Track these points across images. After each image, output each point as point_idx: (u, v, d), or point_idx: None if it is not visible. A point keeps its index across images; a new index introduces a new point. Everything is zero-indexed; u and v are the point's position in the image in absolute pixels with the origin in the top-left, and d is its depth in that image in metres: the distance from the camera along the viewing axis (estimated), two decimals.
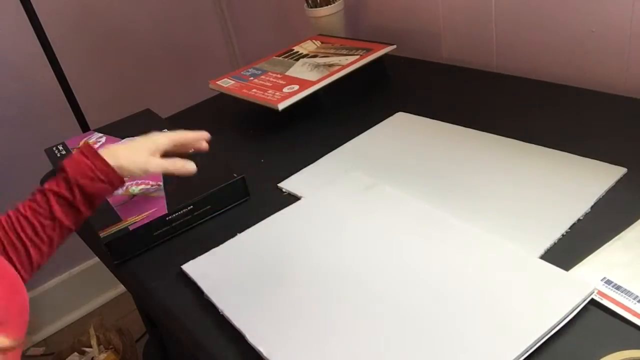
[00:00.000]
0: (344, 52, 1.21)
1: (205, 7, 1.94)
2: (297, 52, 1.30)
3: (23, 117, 1.65)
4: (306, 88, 1.08)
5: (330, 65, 1.14)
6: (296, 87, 1.09)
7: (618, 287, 0.61)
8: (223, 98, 1.37)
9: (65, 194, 0.71)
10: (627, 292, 0.60)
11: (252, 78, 1.20)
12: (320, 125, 1.12)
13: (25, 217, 0.69)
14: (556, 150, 0.86)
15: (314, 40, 1.33)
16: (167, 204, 0.87)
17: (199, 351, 0.68)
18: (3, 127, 1.63)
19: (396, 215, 0.78)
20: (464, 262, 0.68)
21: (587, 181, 0.78)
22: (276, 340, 0.62)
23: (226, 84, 1.22)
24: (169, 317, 0.74)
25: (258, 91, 1.12)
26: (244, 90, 1.15)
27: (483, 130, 0.95)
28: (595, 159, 0.81)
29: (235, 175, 0.91)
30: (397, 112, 1.08)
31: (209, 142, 0.87)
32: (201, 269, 0.76)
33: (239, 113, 1.27)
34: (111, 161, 0.74)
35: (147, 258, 0.84)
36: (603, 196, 0.75)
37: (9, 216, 0.70)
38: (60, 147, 1.12)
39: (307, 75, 1.14)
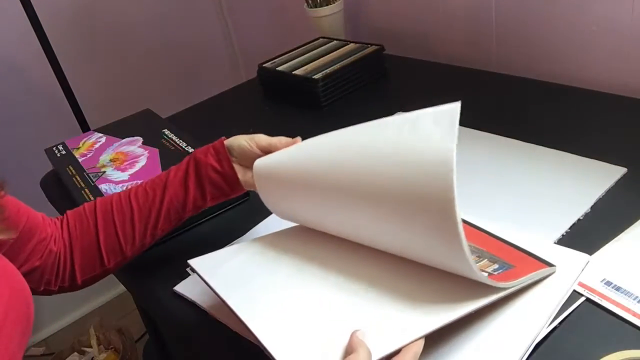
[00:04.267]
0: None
1: (205, 7, 1.94)
2: None
3: (23, 117, 1.65)
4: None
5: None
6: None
7: (618, 288, 0.61)
8: (223, 98, 1.37)
9: (182, 166, 0.74)
10: (627, 293, 0.60)
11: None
12: (320, 125, 1.12)
13: (143, 187, 0.74)
14: (556, 150, 0.86)
15: None
16: None
17: (199, 351, 0.68)
18: (3, 127, 1.63)
19: None
20: None
21: (587, 181, 0.78)
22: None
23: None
24: (169, 317, 0.74)
25: None
26: None
27: (483, 130, 0.95)
28: (595, 159, 0.81)
29: None
30: (397, 112, 1.08)
31: (210, 143, 0.87)
32: (196, 288, 0.75)
33: (239, 113, 1.27)
34: (226, 141, 0.75)
35: (147, 258, 0.84)
36: (603, 196, 0.75)
37: (123, 191, 0.74)
38: (60, 147, 1.12)
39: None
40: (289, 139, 0.76)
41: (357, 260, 0.68)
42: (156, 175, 0.76)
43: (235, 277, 0.71)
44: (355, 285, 0.64)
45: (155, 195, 0.73)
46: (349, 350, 0.50)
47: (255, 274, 0.72)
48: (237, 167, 0.75)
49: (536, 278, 0.61)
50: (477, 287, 0.57)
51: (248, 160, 0.74)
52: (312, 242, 0.75)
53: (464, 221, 0.72)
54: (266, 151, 0.74)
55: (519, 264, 0.62)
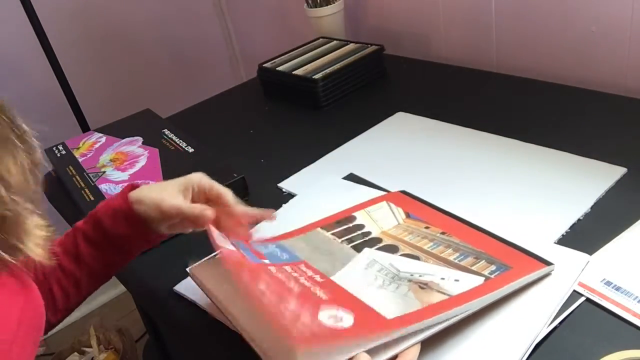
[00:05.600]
0: (451, 255, 0.64)
1: (205, 7, 1.94)
2: (362, 225, 0.73)
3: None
4: (370, 331, 0.50)
5: (422, 287, 0.58)
6: (347, 316, 0.52)
7: (618, 288, 0.61)
8: (223, 98, 1.37)
9: (90, 233, 0.66)
10: (627, 293, 0.60)
11: (266, 262, 0.63)
12: (320, 125, 1.12)
13: (55, 254, 0.63)
14: (556, 150, 0.86)
15: (392, 205, 0.77)
16: None
17: (199, 351, 0.68)
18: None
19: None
20: None
21: (587, 181, 0.78)
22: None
23: (224, 243, 0.64)
24: (169, 317, 0.74)
25: (269, 291, 0.55)
26: (243, 275, 0.57)
27: (483, 130, 0.95)
28: (595, 159, 0.82)
29: (235, 175, 0.91)
30: (397, 112, 1.08)
31: (210, 143, 0.87)
32: (196, 288, 0.72)
33: (239, 113, 1.27)
34: (134, 194, 0.66)
35: (147, 258, 0.84)
36: (603, 196, 0.75)
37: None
38: (60, 147, 1.12)
39: (371, 294, 0.58)
40: (199, 208, 0.64)
41: None
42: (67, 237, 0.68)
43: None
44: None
45: (73, 268, 0.66)
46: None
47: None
48: (152, 224, 0.66)
49: (534, 278, 0.61)
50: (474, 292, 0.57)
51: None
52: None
53: (461, 219, 0.71)
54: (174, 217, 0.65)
55: (516, 265, 0.62)
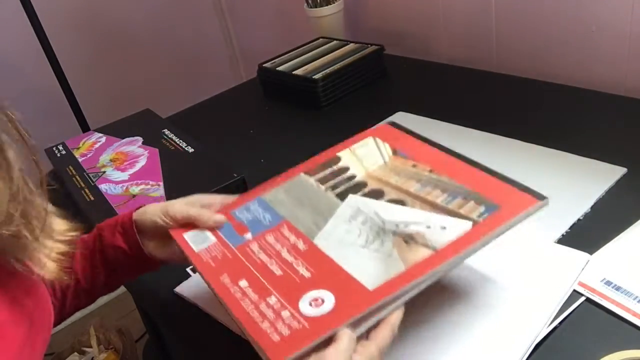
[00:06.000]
0: (439, 197, 0.62)
1: (205, 7, 1.94)
2: (346, 168, 0.71)
3: (23, 117, 1.65)
4: (350, 314, 0.50)
5: (409, 242, 0.57)
6: (326, 295, 0.53)
7: (618, 288, 0.61)
8: (223, 98, 1.37)
9: (90, 243, 0.65)
10: (627, 293, 0.60)
11: (249, 237, 0.63)
12: (320, 125, 1.12)
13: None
14: (556, 150, 0.86)
15: (379, 140, 0.74)
16: None
17: (199, 351, 0.68)
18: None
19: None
20: None
21: (587, 181, 0.78)
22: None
23: (198, 242, 0.64)
24: (169, 317, 0.74)
25: (250, 291, 0.56)
26: (221, 281, 0.58)
27: (483, 130, 0.95)
28: (595, 159, 0.81)
29: (235, 175, 0.91)
30: (397, 112, 1.08)
31: (210, 143, 0.87)
32: (197, 289, 0.74)
33: (239, 113, 1.27)
34: (140, 208, 0.66)
35: None
36: (603, 196, 0.75)
37: None
38: (60, 147, 1.12)
39: (355, 259, 0.57)
40: (208, 213, 0.65)
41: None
42: None
43: None
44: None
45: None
46: (333, 338, 0.49)
47: None
48: (152, 244, 0.65)
49: (525, 217, 0.57)
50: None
51: (164, 235, 0.65)
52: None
53: (451, 151, 0.68)
54: (183, 224, 0.65)
55: (506, 203, 0.57)
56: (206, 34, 1.97)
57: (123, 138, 1.11)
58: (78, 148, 1.11)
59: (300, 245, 0.60)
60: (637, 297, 0.59)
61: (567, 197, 0.76)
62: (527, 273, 0.64)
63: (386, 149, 0.72)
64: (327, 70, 1.18)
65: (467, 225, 0.55)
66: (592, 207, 0.73)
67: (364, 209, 0.63)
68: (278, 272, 0.57)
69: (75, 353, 1.64)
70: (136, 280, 0.82)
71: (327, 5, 1.36)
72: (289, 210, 0.66)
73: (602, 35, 1.00)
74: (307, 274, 0.56)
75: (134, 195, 0.91)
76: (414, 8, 1.31)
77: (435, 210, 0.59)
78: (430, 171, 0.66)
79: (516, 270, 0.65)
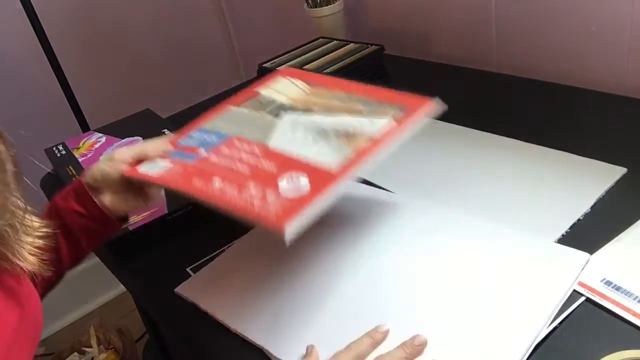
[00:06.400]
0: (359, 106, 0.71)
1: (205, 7, 1.94)
2: (271, 99, 0.76)
3: (23, 117, 1.65)
4: (326, 186, 0.57)
5: (349, 135, 0.64)
6: (302, 178, 0.58)
7: (618, 288, 0.61)
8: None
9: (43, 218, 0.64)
10: (627, 293, 0.60)
11: (203, 153, 0.67)
12: None
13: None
14: (556, 150, 0.86)
15: (290, 78, 0.80)
16: (167, 204, 0.87)
17: (199, 351, 0.68)
18: (3, 127, 1.63)
19: (386, 212, 0.79)
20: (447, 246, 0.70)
21: (587, 181, 0.78)
22: (295, 348, 0.62)
23: (154, 168, 0.66)
24: (169, 317, 0.74)
25: (226, 186, 0.60)
26: (194, 184, 0.62)
27: (483, 130, 0.95)
28: (595, 159, 0.81)
29: None
30: None
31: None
32: (197, 289, 0.75)
33: None
34: (86, 173, 0.67)
35: (147, 258, 0.84)
36: (603, 196, 0.75)
37: None
38: (60, 147, 1.12)
39: (310, 151, 0.63)
40: (153, 143, 0.68)
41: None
42: None
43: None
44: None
45: None
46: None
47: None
48: (108, 198, 0.66)
49: (429, 114, 0.67)
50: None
51: (118, 186, 0.66)
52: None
53: (357, 82, 0.75)
54: (132, 164, 0.66)
55: (409, 104, 0.67)
56: (206, 34, 1.97)
57: (123, 138, 1.11)
58: (78, 148, 1.11)
59: (257, 150, 0.65)
60: (637, 297, 0.59)
61: (567, 197, 0.76)
62: (527, 273, 0.64)
63: (301, 84, 0.78)
64: (327, 70, 1.18)
65: (389, 120, 0.65)
66: (592, 207, 0.73)
67: (301, 121, 0.69)
68: (245, 170, 0.61)
69: (75, 353, 1.64)
70: (136, 281, 0.82)
71: (327, 5, 1.36)
72: (233, 130, 0.70)
73: (602, 35, 1.00)
74: (273, 168, 0.61)
75: None
76: (414, 8, 1.31)
77: (360, 115, 0.68)
78: (345, 93, 0.74)
79: (516, 270, 0.65)
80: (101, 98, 1.72)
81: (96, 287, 1.96)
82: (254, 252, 0.78)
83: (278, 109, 0.73)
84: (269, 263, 0.75)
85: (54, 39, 1.37)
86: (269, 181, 0.58)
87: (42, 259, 0.55)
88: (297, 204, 0.54)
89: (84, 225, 0.66)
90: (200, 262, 0.79)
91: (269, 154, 0.63)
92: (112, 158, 0.66)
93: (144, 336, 1.75)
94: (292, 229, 0.52)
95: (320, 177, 0.58)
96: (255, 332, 0.65)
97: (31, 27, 1.32)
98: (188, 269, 0.79)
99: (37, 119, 1.68)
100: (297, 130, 0.67)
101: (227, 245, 0.81)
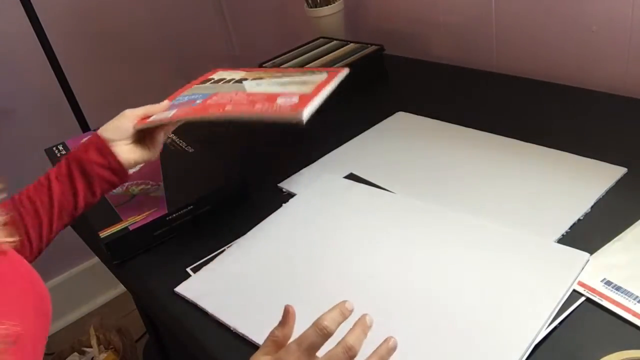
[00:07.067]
0: (298, 73, 0.86)
1: (205, 7, 1.94)
2: (224, 78, 0.89)
3: (23, 117, 1.65)
4: (320, 90, 0.75)
5: (303, 83, 0.80)
6: (294, 97, 0.73)
7: (618, 288, 0.61)
8: None
9: (63, 169, 0.74)
10: (627, 293, 0.60)
11: (198, 101, 0.80)
12: (320, 125, 1.12)
13: (28, 196, 0.72)
14: (556, 150, 0.86)
15: (226, 70, 0.93)
16: (167, 204, 0.87)
17: (199, 351, 0.68)
18: (3, 127, 1.63)
19: (386, 212, 0.79)
20: (448, 245, 0.70)
21: (587, 181, 0.78)
22: None
23: (164, 115, 0.79)
24: (169, 317, 0.74)
25: (238, 106, 0.75)
26: (210, 111, 0.76)
27: (483, 130, 0.95)
28: (595, 159, 0.82)
29: (235, 175, 0.91)
30: (397, 112, 1.08)
31: (210, 143, 0.87)
32: (197, 289, 0.75)
33: None
34: (100, 131, 0.78)
35: (147, 258, 0.84)
36: (603, 196, 0.75)
37: (13, 198, 0.73)
38: (60, 147, 1.12)
39: (286, 88, 0.78)
40: (156, 104, 0.83)
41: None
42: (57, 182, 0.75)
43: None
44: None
45: (42, 202, 0.72)
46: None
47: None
48: (120, 149, 0.76)
49: (344, 75, 0.81)
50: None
51: (128, 137, 0.78)
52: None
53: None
54: (143, 118, 0.80)
55: (329, 71, 0.81)
56: (206, 34, 1.97)
57: None
58: None
59: (241, 95, 0.78)
60: (637, 297, 0.59)
61: (567, 197, 0.76)
62: (527, 273, 0.64)
63: (238, 72, 0.91)
64: None
65: (325, 74, 0.80)
66: (592, 207, 0.73)
67: (262, 82, 0.82)
68: (243, 99, 0.76)
69: (75, 353, 1.64)
70: (136, 281, 0.82)
71: (327, 5, 1.36)
72: (211, 91, 0.82)
73: (602, 35, 1.00)
74: (264, 96, 0.75)
75: (133, 195, 0.91)
76: (413, 8, 1.31)
77: (304, 74, 0.83)
78: (279, 72, 0.87)
79: (516, 270, 0.65)
80: (101, 98, 1.72)
81: (96, 287, 1.96)
82: (254, 252, 0.78)
83: (236, 81, 0.86)
84: (268, 263, 0.75)
85: (54, 39, 1.37)
86: (270, 99, 0.73)
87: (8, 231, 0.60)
88: (303, 99, 0.71)
89: (102, 175, 0.75)
90: (200, 262, 0.79)
91: (252, 94, 0.78)
92: (124, 115, 0.79)
93: (144, 336, 1.75)
94: (305, 112, 0.68)
95: (303, 97, 0.72)
96: (255, 332, 0.65)
97: (31, 27, 1.32)
98: (188, 269, 0.79)
99: (37, 119, 1.68)
100: (262, 86, 0.82)
101: (227, 245, 0.81)
